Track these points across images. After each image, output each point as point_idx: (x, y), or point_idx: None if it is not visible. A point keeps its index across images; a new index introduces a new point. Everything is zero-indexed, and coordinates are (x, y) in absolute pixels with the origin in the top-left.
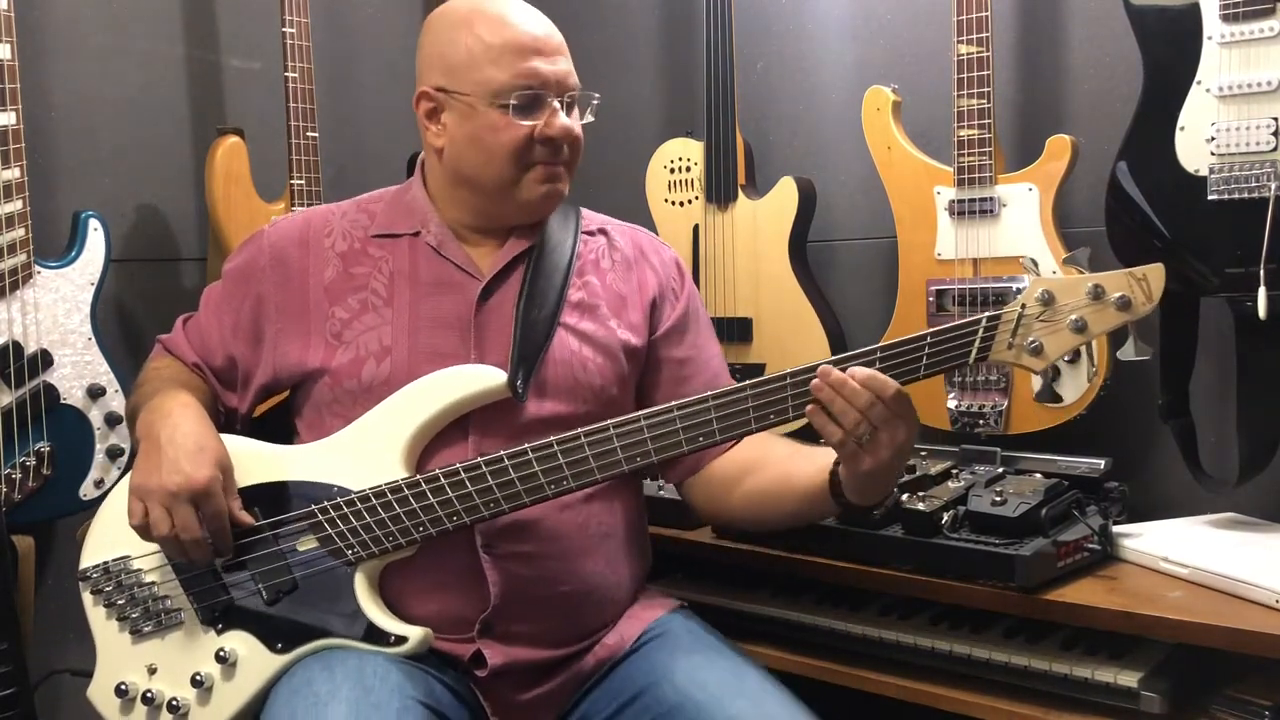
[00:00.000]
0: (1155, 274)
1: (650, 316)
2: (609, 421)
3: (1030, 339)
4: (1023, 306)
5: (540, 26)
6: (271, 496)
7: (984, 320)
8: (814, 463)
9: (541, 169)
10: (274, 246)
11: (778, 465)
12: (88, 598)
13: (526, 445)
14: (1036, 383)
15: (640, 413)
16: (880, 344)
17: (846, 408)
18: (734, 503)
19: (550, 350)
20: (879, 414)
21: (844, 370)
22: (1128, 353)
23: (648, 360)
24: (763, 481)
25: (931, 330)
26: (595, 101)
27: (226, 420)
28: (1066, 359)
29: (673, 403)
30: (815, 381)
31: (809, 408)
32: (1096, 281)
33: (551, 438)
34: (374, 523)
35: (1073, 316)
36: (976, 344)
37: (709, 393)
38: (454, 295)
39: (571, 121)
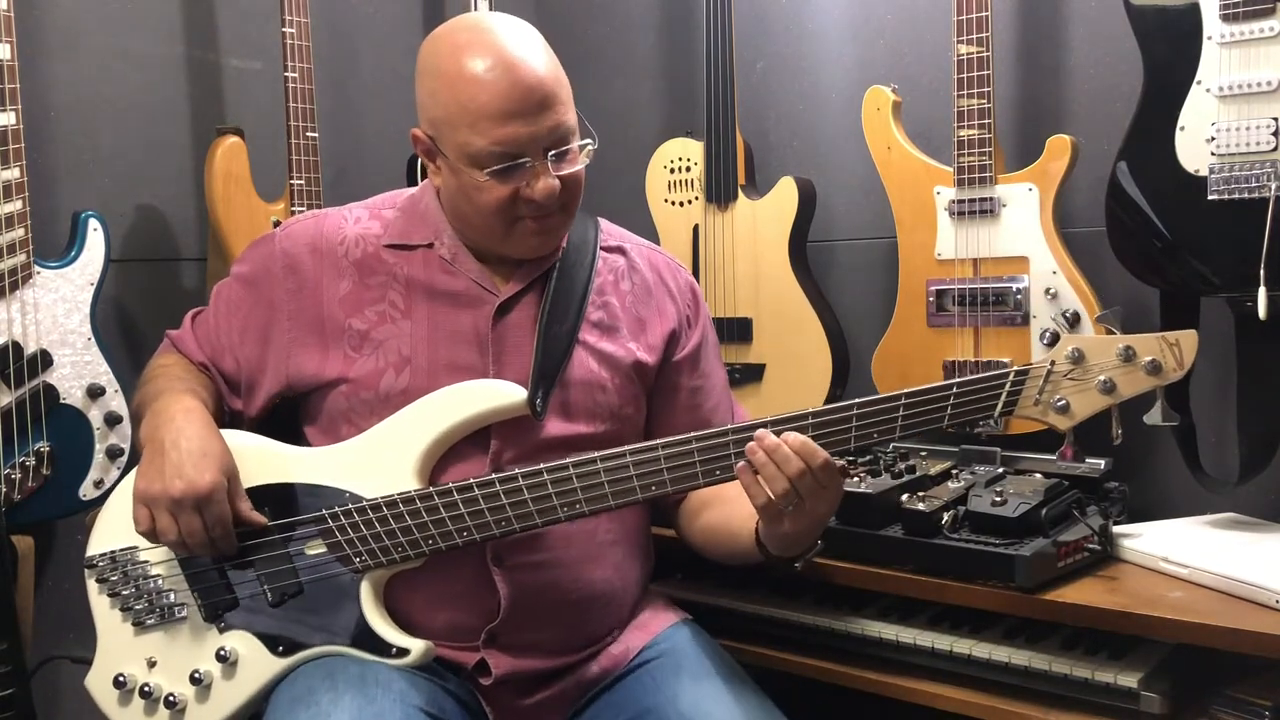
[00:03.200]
0: (1188, 340)
1: (667, 345)
2: (625, 449)
3: (1057, 397)
4: (1052, 363)
5: (523, 78)
6: (282, 498)
7: (1011, 374)
8: (749, 508)
9: (531, 223)
10: (286, 254)
11: (726, 504)
12: (92, 585)
13: (542, 466)
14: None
15: (658, 441)
16: (905, 390)
17: (777, 474)
18: (694, 534)
19: (570, 369)
20: (807, 484)
21: (779, 435)
22: (1154, 418)
23: (663, 385)
24: (713, 518)
25: (958, 380)
26: (591, 147)
27: (232, 422)
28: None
29: (691, 434)
30: (750, 444)
31: (739, 466)
32: (1128, 343)
33: (568, 460)
34: (384, 532)
35: (1102, 377)
36: (1003, 398)
37: (728, 426)
38: (470, 310)
39: (558, 178)
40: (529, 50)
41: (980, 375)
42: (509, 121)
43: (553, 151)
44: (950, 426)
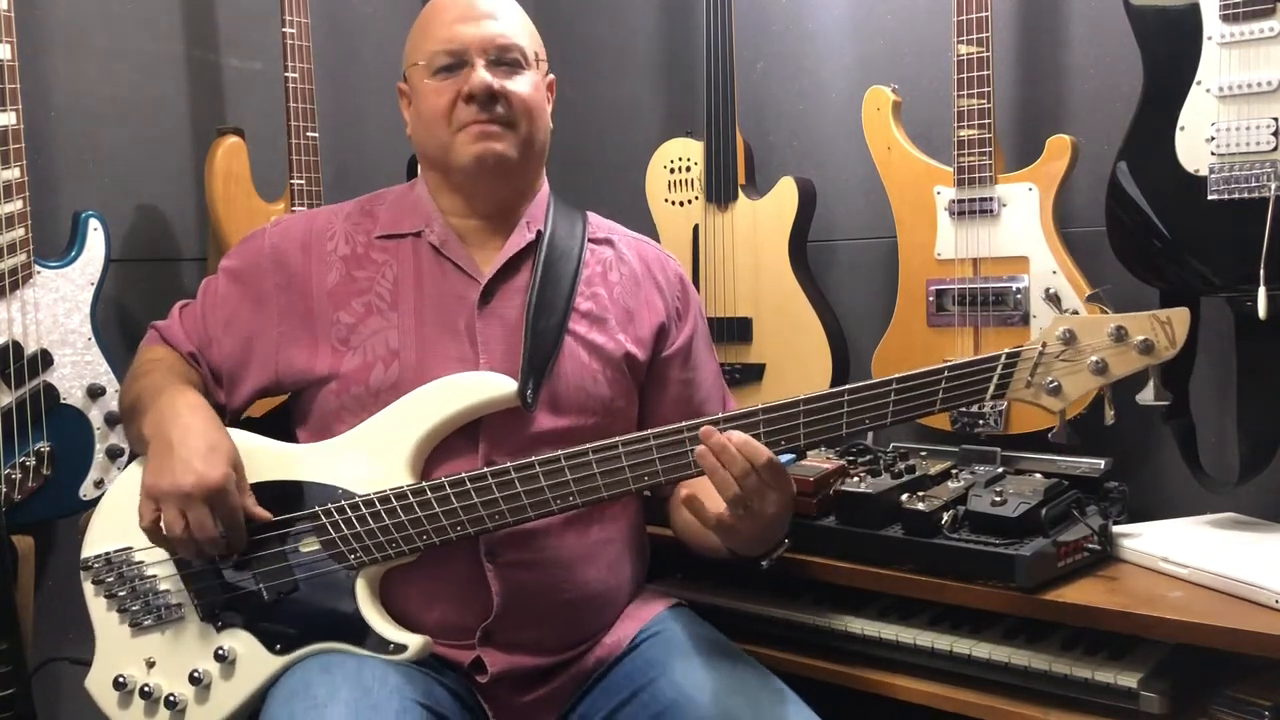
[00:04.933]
0: (1180, 318)
1: (656, 338)
2: (617, 439)
3: (1049, 378)
4: (1043, 345)
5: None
6: (276, 495)
7: (1003, 357)
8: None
9: (473, 128)
10: (275, 249)
11: (704, 500)
12: (88, 588)
13: (534, 459)
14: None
15: (649, 431)
16: (895, 375)
17: (727, 479)
18: (679, 529)
19: (561, 362)
20: (752, 484)
21: (724, 433)
22: (1146, 397)
23: (654, 379)
24: (689, 514)
25: (948, 364)
26: (543, 64)
27: None
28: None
29: (682, 423)
30: (699, 449)
31: (685, 495)
32: (1119, 323)
33: (559, 452)
34: (377, 529)
35: (1093, 358)
36: (994, 380)
37: (720, 415)
38: (458, 299)
39: (494, 78)
40: None
41: (972, 359)
42: (454, 24)
43: (494, 57)
44: (942, 409)
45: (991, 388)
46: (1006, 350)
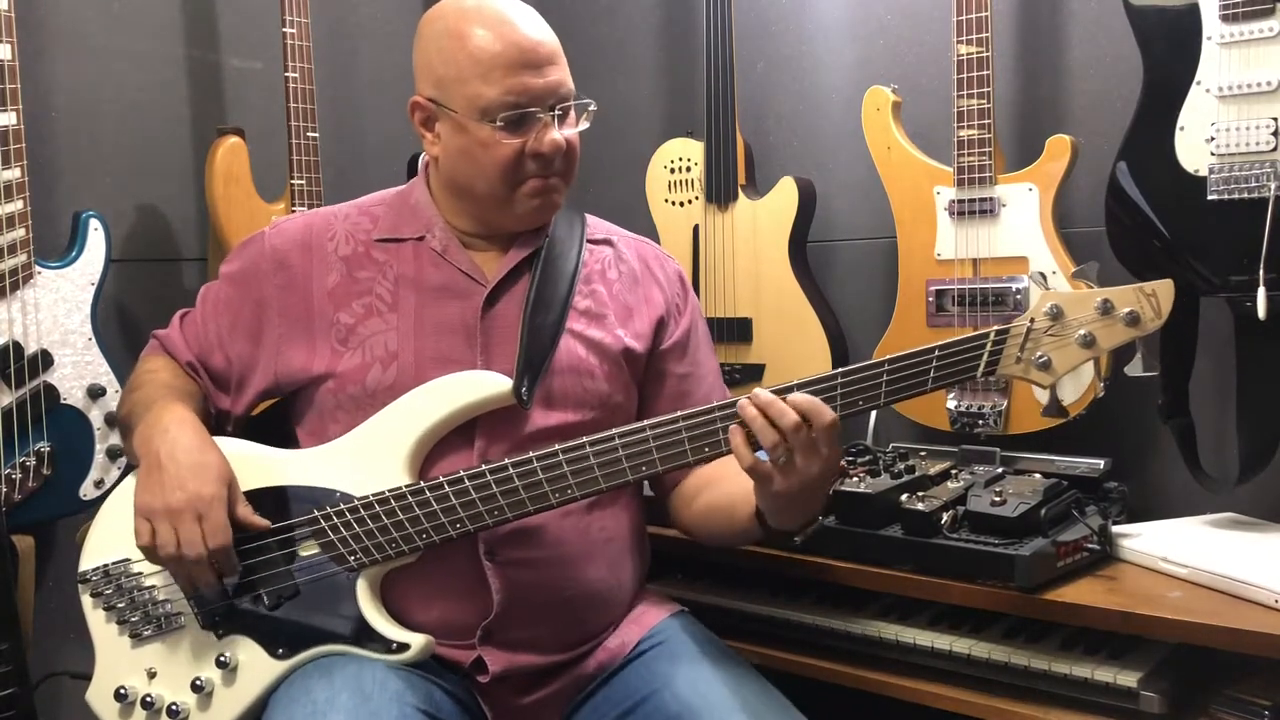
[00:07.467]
0: (1165, 290)
1: (655, 332)
2: (614, 431)
3: (1038, 353)
4: (1031, 320)
5: (530, 35)
6: (274, 501)
7: (992, 334)
8: (748, 484)
9: (534, 182)
10: (275, 250)
11: (727, 482)
12: (87, 600)
13: (531, 454)
14: (1043, 396)
15: (645, 422)
16: (887, 357)
17: (767, 428)
18: (692, 516)
19: (558, 358)
20: (802, 439)
21: (785, 399)
22: (1135, 369)
23: (651, 373)
24: (713, 497)
25: (940, 344)
26: (591, 108)
27: (217, 421)
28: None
29: (678, 413)
30: (741, 401)
31: (731, 427)
32: (1105, 296)
33: (556, 446)
34: (376, 529)
35: (1081, 331)
36: (985, 357)
37: (714, 404)
38: (459, 301)
39: (564, 134)
40: (532, 15)
41: (962, 337)
42: (521, 72)
43: (558, 109)
44: (934, 388)
45: (982, 365)
46: (995, 328)
